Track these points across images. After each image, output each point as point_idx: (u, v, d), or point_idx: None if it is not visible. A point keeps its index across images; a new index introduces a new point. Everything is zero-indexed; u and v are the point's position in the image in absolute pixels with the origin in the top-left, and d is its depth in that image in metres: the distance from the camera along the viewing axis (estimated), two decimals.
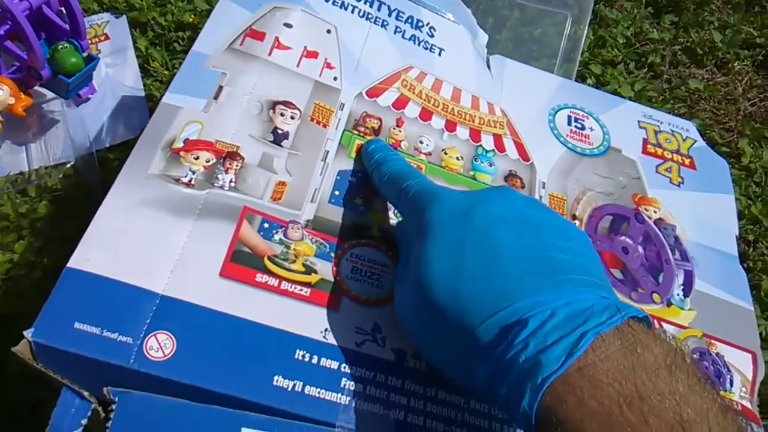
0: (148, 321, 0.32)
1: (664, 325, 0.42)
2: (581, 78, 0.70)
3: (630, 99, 0.68)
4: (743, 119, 0.69)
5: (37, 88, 0.55)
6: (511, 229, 0.30)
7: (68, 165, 0.57)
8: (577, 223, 0.46)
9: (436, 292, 0.29)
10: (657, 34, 0.74)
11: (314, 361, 0.33)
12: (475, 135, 0.47)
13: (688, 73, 0.73)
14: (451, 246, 0.30)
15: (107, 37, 0.66)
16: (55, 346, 0.30)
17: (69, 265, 0.33)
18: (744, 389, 0.41)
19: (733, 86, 0.72)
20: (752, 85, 0.73)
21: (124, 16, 0.67)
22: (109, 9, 0.68)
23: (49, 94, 0.57)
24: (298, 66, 0.45)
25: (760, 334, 0.52)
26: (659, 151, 0.52)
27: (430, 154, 0.45)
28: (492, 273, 0.29)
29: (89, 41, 0.59)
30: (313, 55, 0.46)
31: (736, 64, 0.74)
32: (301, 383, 0.32)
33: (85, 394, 0.30)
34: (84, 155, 0.57)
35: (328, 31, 0.47)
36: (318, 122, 0.43)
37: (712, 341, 0.42)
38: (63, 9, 0.51)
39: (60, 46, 0.51)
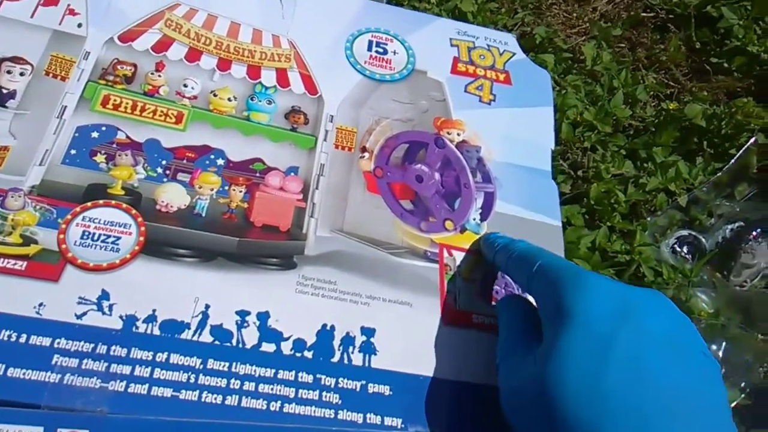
0: None
1: (455, 253, 0.40)
2: None
3: (472, 14, 0.65)
4: (593, 21, 0.66)
5: None
6: (663, 352, 0.27)
7: None
8: (367, 155, 0.43)
9: (566, 393, 0.27)
10: None
11: (22, 340, 0.30)
12: (253, 72, 0.44)
13: None
14: (594, 346, 0.27)
15: None
16: None
17: None
18: None
19: None
20: None
21: None
22: None
23: None
24: (32, 16, 0.40)
25: (593, 243, 0.50)
26: (471, 68, 0.49)
27: (195, 97, 0.41)
28: (638, 400, 0.26)
29: None
30: (52, 2, 0.41)
31: None
32: (4, 366, 0.29)
33: None
34: None
35: None
36: (55, 76, 0.39)
37: None
38: None
39: None
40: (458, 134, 0.45)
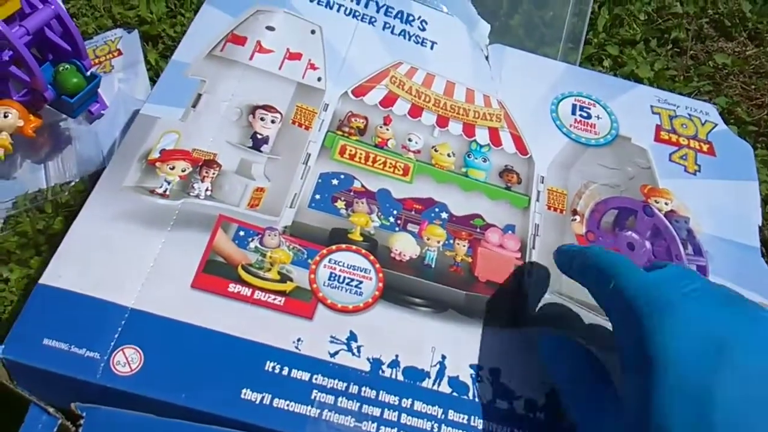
0: (116, 336, 0.32)
1: None
2: (597, 61, 0.67)
3: (648, 80, 0.64)
4: None
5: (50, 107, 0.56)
6: None
7: (74, 182, 0.58)
8: (578, 218, 0.43)
9: None
10: (681, 8, 0.69)
11: (285, 372, 0.33)
12: (468, 130, 0.46)
13: (716, 47, 0.68)
14: (693, 404, 0.24)
15: (120, 53, 0.67)
16: (25, 363, 0.31)
17: (40, 281, 0.33)
18: None
19: (766, 58, 0.67)
20: None
21: (136, 30, 0.68)
22: (122, 25, 0.69)
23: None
24: (280, 69, 0.44)
25: None
26: (674, 137, 0.49)
27: (419, 151, 0.43)
28: None
29: (104, 57, 0.60)
30: (296, 56, 0.45)
31: None
32: (270, 396, 0.32)
33: (51, 410, 0.30)
34: (94, 171, 0.58)
35: (312, 32, 0.46)
36: (300, 125, 0.42)
37: None
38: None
39: (61, 68, 0.52)
40: (666, 203, 0.45)
